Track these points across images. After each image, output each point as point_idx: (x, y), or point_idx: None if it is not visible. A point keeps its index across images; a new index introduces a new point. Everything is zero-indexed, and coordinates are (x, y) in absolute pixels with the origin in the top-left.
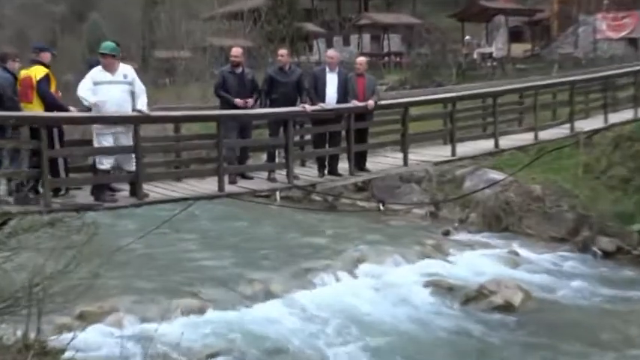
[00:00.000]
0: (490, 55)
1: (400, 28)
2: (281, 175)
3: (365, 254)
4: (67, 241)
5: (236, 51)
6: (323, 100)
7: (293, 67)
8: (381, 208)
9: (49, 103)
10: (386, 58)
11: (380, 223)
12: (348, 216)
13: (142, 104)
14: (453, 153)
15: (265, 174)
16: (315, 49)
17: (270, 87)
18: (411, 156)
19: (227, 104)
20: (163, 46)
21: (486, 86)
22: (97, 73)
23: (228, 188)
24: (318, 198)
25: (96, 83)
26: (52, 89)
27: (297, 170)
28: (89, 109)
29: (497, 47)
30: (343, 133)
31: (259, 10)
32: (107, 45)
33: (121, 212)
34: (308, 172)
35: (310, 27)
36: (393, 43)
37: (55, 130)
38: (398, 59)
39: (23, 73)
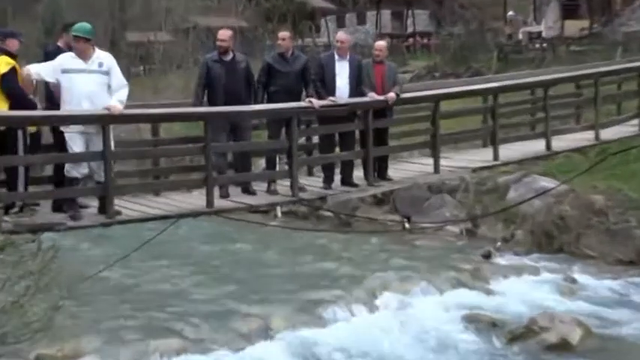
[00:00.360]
0: (539, 34)
1: (428, 1)
2: (283, 186)
3: (387, 282)
4: (21, 269)
5: (223, 34)
6: (332, 92)
7: (296, 52)
8: (406, 225)
9: (18, 101)
10: (410, 40)
11: (405, 244)
12: (365, 236)
13: (116, 100)
14: (495, 157)
15: (263, 185)
16: (324, 29)
17: (269, 78)
18: (442, 161)
19: (212, 102)
20: (137, 27)
21: (535, 74)
22: (68, 59)
23: (219, 203)
24: (328, 214)
25: (65, 71)
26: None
27: (303, 180)
28: (51, 104)
29: (548, 25)
30: (357, 133)
31: None
32: (82, 26)
33: (88, 233)
34: (316, 183)
35: (317, 2)
36: (419, 20)
37: (20, 133)
38: (425, 41)
39: None
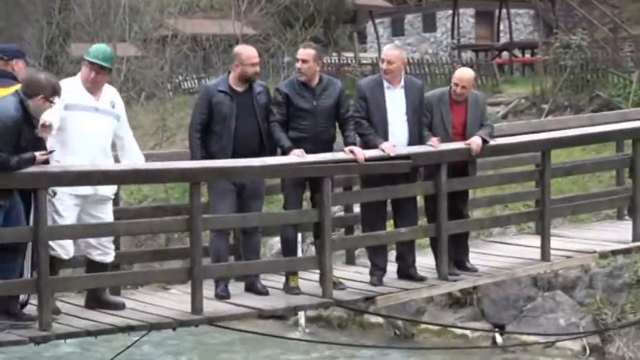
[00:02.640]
0: None
1: None
2: (309, 281)
3: None
4: None
5: (255, 55)
6: (383, 138)
7: (326, 79)
8: (498, 339)
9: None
10: (504, 54)
11: None
12: (435, 354)
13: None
14: (636, 235)
15: (278, 278)
16: (372, 38)
17: (287, 117)
18: (554, 242)
19: (215, 153)
20: (87, 35)
21: None
22: (72, 90)
23: (211, 307)
24: (378, 320)
25: (69, 107)
26: None
27: (340, 271)
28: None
29: None
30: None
31: None
32: (103, 50)
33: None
34: (360, 276)
35: None
36: (519, 25)
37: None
38: (527, 56)
39: None
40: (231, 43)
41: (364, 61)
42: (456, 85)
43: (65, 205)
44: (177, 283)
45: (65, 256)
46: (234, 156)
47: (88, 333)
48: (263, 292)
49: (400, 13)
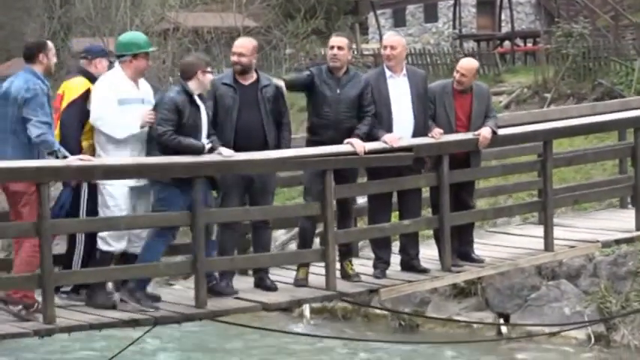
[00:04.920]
0: None
1: None
2: (314, 275)
3: None
4: None
5: (242, 45)
6: (388, 128)
7: (352, 71)
8: (503, 329)
9: (65, 139)
10: (506, 44)
11: (502, 356)
12: (439, 347)
13: None
14: (639, 224)
15: (284, 272)
16: (374, 29)
17: (315, 107)
18: (557, 231)
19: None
20: (88, 29)
21: None
22: (122, 84)
23: (215, 302)
24: (382, 312)
25: (122, 102)
26: None
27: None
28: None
29: None
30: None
31: None
32: (144, 36)
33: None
34: (363, 268)
35: None
36: (521, 14)
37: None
38: (529, 45)
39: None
40: (232, 36)
41: (366, 52)
42: (457, 71)
43: (127, 200)
44: (181, 276)
45: (115, 250)
46: (236, 148)
47: (92, 326)
48: (272, 288)
49: (401, 4)
